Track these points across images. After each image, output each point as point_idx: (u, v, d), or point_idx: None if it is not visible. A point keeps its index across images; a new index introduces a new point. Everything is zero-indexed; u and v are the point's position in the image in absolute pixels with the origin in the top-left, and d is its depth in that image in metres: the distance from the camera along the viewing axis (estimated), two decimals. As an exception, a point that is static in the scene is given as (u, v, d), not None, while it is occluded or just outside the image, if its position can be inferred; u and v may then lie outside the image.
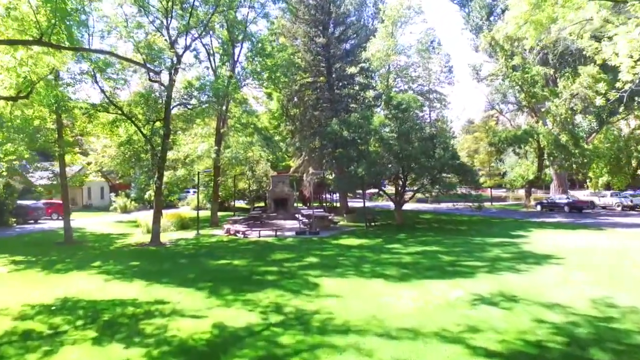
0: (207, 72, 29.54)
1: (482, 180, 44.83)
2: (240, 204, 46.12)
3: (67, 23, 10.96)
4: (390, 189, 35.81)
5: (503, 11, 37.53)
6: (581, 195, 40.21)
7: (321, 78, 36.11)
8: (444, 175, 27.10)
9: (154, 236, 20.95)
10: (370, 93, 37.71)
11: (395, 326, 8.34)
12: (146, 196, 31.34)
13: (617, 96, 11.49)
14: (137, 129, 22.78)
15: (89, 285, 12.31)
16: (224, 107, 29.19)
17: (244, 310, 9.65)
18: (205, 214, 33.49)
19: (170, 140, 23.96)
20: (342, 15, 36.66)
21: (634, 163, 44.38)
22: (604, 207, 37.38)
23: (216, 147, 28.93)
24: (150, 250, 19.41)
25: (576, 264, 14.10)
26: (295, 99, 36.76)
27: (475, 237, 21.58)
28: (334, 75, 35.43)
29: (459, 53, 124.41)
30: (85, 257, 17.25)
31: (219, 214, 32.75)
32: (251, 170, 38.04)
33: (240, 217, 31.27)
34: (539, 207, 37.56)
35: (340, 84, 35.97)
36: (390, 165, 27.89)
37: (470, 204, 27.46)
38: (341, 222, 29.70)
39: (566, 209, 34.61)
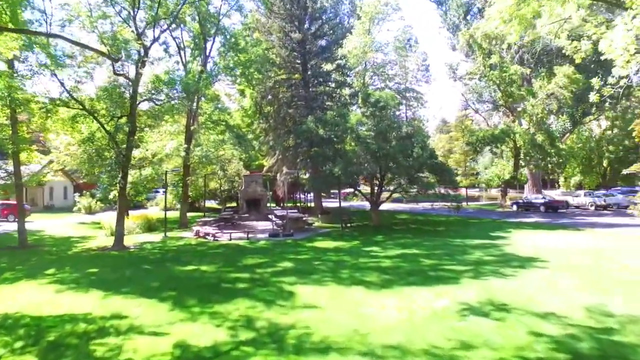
0: (177, 66, 28.28)
1: (458, 180, 44.67)
2: (211, 204, 44.71)
3: (10, 2, 9.65)
4: (365, 189, 35.09)
5: (480, 10, 37.44)
6: (554, 194, 40.45)
7: (296, 75, 35.06)
8: (422, 175, 26.51)
9: (117, 239, 19.54)
10: (347, 91, 36.86)
11: (380, 342, 7.51)
12: (111, 196, 29.69)
13: (612, 92, 11.00)
14: (99, 125, 21.25)
15: (38, 297, 11.03)
16: (194, 104, 27.91)
17: (211, 325, 8.66)
18: (174, 214, 32.14)
19: (136, 137, 22.56)
20: (319, 11, 35.65)
21: (604, 163, 45.22)
22: (577, 207, 37.66)
23: (186, 145, 27.55)
24: (112, 255, 18.04)
25: (561, 266, 13.62)
26: (269, 96, 35.61)
27: (454, 238, 21.00)
28: (309, 72, 34.43)
29: (436, 52, 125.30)
30: (38, 264, 15.82)
31: (189, 214, 31.42)
32: (223, 169, 36.75)
33: (211, 218, 30.06)
34: (515, 207, 37.55)
35: (316, 81, 34.98)
36: (367, 165, 27.12)
37: (448, 204, 26.93)
38: (316, 224, 28.81)
39: (542, 208, 34.65)
